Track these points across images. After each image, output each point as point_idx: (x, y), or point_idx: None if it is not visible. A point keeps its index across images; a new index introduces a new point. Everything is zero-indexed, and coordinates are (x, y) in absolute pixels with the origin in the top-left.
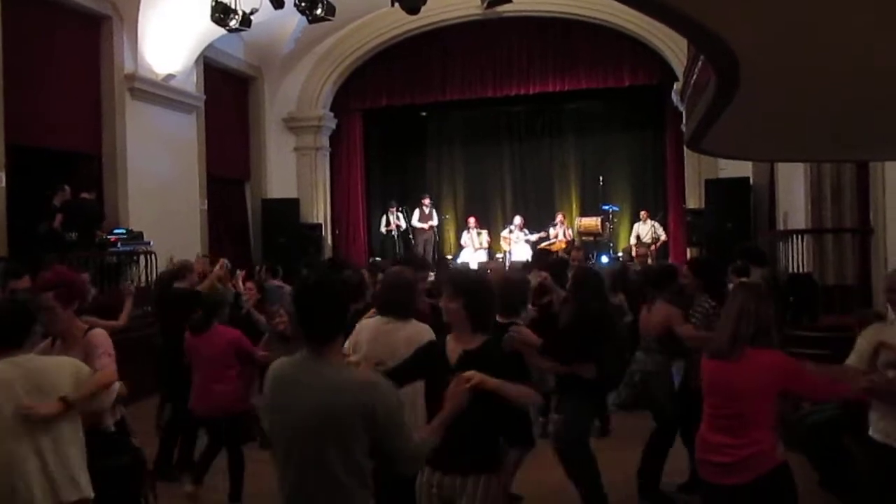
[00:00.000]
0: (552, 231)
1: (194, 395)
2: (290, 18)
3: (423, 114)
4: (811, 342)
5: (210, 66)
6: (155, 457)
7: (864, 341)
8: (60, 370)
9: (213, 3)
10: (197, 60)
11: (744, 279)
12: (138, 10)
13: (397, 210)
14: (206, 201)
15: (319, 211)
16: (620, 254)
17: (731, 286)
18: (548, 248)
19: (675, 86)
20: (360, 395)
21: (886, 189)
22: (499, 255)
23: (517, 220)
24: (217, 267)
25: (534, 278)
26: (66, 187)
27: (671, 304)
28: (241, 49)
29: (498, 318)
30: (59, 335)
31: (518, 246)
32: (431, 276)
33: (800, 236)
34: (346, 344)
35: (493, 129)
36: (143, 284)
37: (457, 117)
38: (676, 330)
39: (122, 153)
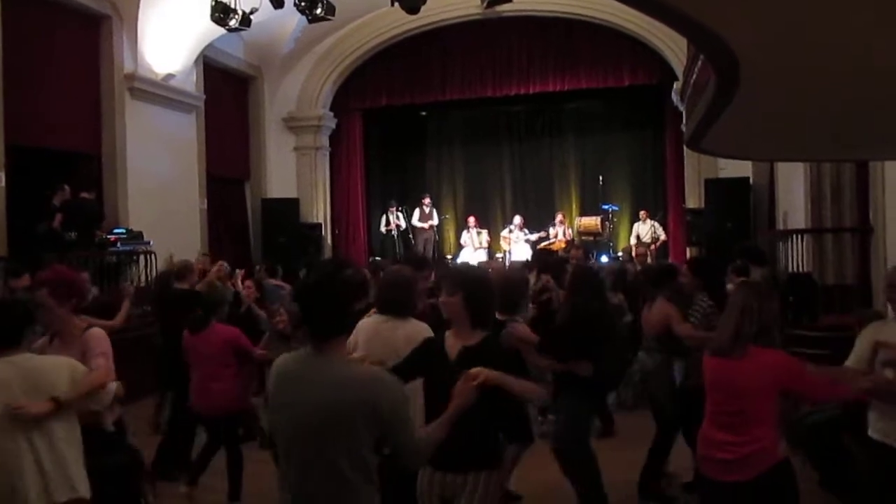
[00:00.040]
0: (552, 231)
1: (193, 394)
2: (290, 18)
3: (423, 113)
4: (811, 342)
5: (210, 66)
6: (154, 456)
7: (863, 342)
8: (57, 370)
9: (213, 3)
10: (197, 60)
11: (743, 279)
12: (138, 9)
13: (397, 210)
14: (205, 201)
15: (319, 210)
16: (620, 253)
17: (730, 286)
18: (548, 247)
19: (674, 85)
20: (364, 391)
21: (886, 188)
22: (498, 255)
23: (517, 219)
24: (214, 269)
25: (533, 277)
26: (66, 187)
27: (670, 303)
28: (241, 49)
29: (497, 316)
30: (56, 333)
31: (518, 246)
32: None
33: (799, 236)
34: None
35: (492, 128)
36: (142, 284)
37: (456, 117)
38: (675, 329)
39: (121, 153)
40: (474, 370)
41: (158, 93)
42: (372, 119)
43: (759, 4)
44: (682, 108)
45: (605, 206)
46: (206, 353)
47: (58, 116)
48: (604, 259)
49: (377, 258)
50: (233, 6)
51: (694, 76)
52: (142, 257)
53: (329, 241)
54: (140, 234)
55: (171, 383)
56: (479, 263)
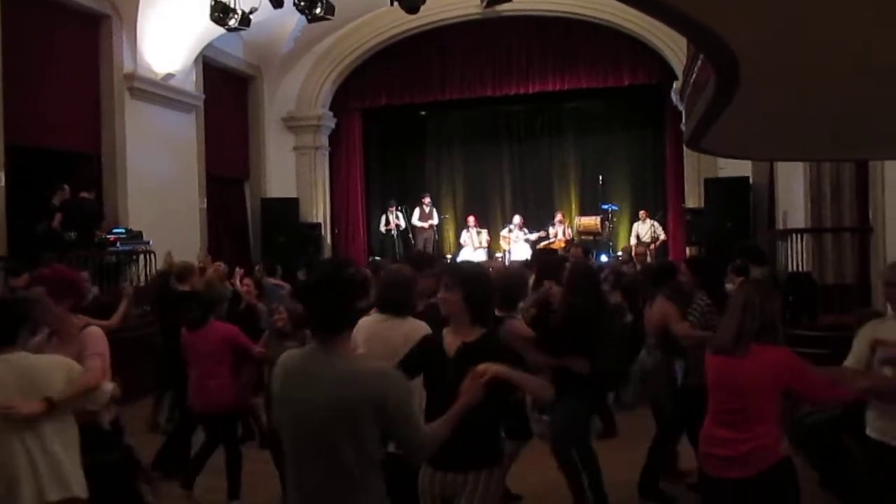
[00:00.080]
0: (552, 230)
1: (191, 392)
2: (290, 18)
3: (423, 113)
4: (810, 341)
5: (209, 66)
6: (155, 455)
7: (860, 341)
8: (53, 369)
9: (213, 3)
10: (196, 60)
11: (744, 278)
12: (137, 9)
13: (396, 209)
14: (205, 200)
15: (319, 210)
16: (620, 253)
17: (730, 286)
18: (549, 247)
19: (674, 85)
20: (370, 385)
21: (886, 188)
22: (498, 255)
23: (516, 219)
24: (211, 270)
25: (532, 278)
26: (66, 187)
27: (670, 302)
28: (241, 48)
29: (496, 312)
30: (54, 331)
31: (517, 245)
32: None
33: (799, 235)
34: None
35: (492, 128)
36: (142, 284)
37: (456, 116)
38: (672, 328)
39: (121, 153)
40: (481, 367)
41: (158, 92)
42: (371, 119)
43: (759, 3)
44: (681, 107)
45: (605, 206)
46: (204, 351)
47: (57, 116)
48: (603, 259)
49: (377, 258)
50: (232, 6)
51: (694, 75)
52: (141, 257)
53: (329, 240)
54: (140, 234)
55: (171, 383)
56: (480, 263)
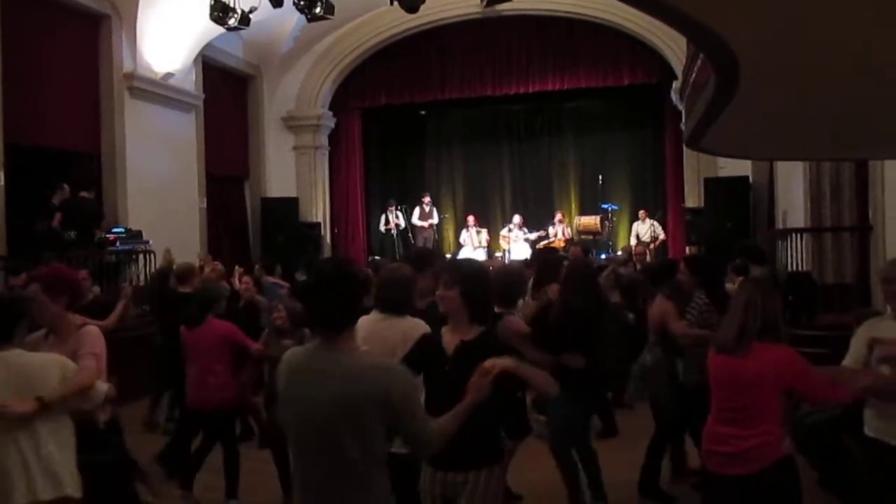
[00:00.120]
0: (551, 230)
1: (189, 389)
2: (289, 17)
3: (423, 112)
4: (810, 341)
5: (209, 65)
6: (159, 453)
7: (858, 340)
8: (48, 367)
9: (212, 2)
10: (196, 59)
11: (744, 277)
12: (137, 9)
13: (396, 209)
14: (205, 200)
15: (318, 210)
16: (619, 252)
17: (730, 285)
18: (549, 246)
19: (674, 84)
20: (375, 381)
21: (885, 187)
22: (498, 254)
23: (516, 218)
24: (209, 270)
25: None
26: (65, 186)
27: (669, 300)
28: (240, 48)
29: (496, 309)
30: (52, 330)
31: (517, 245)
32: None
33: (799, 235)
34: None
35: (492, 127)
36: (141, 283)
37: (456, 116)
38: (670, 327)
39: (121, 152)
40: (488, 363)
41: (158, 92)
42: (371, 118)
43: (759, 3)
44: (681, 107)
45: (605, 206)
46: (202, 349)
47: (57, 116)
48: (603, 258)
49: (377, 257)
50: (232, 5)
51: (693, 75)
52: (141, 256)
53: (328, 240)
54: (139, 234)
55: (171, 382)
56: (479, 261)
